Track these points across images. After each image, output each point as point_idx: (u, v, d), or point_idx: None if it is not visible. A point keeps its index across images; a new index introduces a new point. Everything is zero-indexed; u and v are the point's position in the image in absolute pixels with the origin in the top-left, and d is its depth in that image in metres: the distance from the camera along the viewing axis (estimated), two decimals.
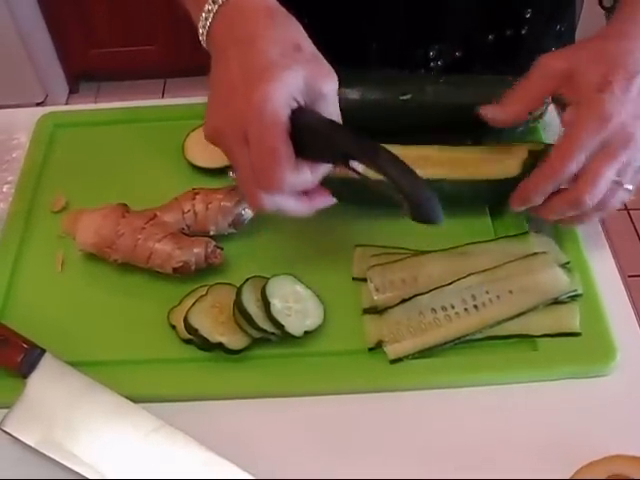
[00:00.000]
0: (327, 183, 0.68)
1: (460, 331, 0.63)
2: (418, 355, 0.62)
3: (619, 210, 0.66)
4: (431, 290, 0.65)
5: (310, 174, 0.59)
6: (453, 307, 0.64)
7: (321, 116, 0.59)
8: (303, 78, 0.56)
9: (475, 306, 0.64)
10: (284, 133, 0.56)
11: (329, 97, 0.58)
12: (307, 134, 0.57)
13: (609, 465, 0.54)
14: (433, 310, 0.64)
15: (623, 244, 2.01)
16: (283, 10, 0.60)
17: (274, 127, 0.55)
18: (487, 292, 0.64)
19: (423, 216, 0.56)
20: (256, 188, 0.59)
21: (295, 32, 0.59)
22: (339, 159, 0.58)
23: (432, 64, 0.85)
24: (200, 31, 0.61)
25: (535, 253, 0.67)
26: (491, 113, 0.67)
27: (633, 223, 2.12)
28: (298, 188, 0.60)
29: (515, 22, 0.84)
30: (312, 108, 0.58)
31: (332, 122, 0.59)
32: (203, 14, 0.60)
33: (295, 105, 0.57)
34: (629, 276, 1.83)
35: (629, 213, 2.12)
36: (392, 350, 0.63)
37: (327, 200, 0.64)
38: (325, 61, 0.59)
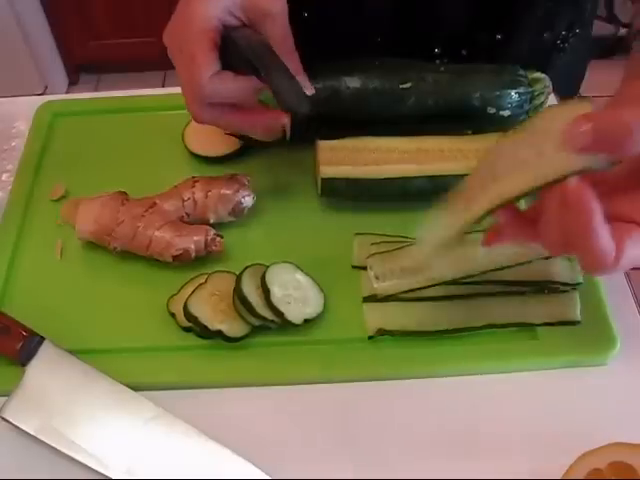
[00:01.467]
0: (331, 180, 0.68)
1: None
2: (418, 343, 0.62)
3: None
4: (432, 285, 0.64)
5: (232, 83, 0.61)
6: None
7: (249, 31, 0.62)
8: None
9: None
10: (207, 41, 0.60)
11: (275, 16, 0.62)
12: (232, 47, 0.61)
13: (609, 453, 0.54)
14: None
15: None
16: None
17: (198, 35, 0.60)
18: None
19: (287, 105, 0.59)
20: (193, 100, 0.62)
21: None
22: (250, 69, 0.60)
23: (438, 61, 0.85)
24: None
25: None
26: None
27: None
28: (223, 96, 0.62)
29: (513, 23, 0.84)
30: (257, 27, 0.62)
31: (253, 35, 0.62)
32: None
33: (234, 21, 0.61)
34: None
35: None
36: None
37: (276, 118, 0.65)
38: None
